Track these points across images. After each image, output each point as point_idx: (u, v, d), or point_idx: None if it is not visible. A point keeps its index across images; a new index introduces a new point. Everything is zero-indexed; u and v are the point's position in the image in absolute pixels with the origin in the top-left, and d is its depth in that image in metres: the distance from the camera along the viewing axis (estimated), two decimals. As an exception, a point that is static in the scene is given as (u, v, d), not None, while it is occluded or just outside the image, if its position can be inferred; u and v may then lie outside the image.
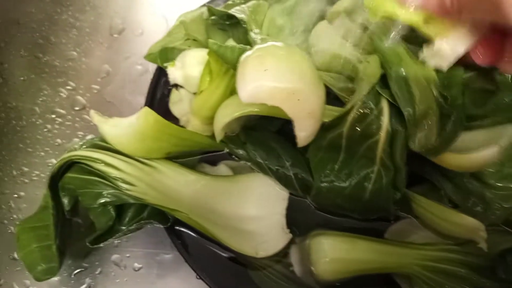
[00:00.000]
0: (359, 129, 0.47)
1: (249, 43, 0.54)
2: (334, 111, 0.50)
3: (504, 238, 0.49)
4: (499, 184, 0.48)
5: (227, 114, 0.49)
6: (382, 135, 0.47)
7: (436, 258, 0.48)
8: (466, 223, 0.48)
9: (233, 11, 0.57)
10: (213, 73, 0.51)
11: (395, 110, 0.47)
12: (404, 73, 0.45)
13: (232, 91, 0.52)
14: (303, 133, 0.45)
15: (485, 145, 0.46)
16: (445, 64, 0.38)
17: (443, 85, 0.46)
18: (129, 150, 0.50)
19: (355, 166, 0.48)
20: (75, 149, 0.52)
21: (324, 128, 0.47)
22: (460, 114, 0.46)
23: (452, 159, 0.47)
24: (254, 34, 0.53)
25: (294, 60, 0.44)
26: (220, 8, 0.61)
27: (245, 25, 0.55)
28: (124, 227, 0.50)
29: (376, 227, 0.52)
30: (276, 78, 0.42)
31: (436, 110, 0.45)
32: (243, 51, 0.48)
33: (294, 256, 0.51)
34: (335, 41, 0.52)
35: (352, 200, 0.49)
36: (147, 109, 0.47)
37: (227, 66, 0.51)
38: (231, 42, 0.58)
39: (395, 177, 0.48)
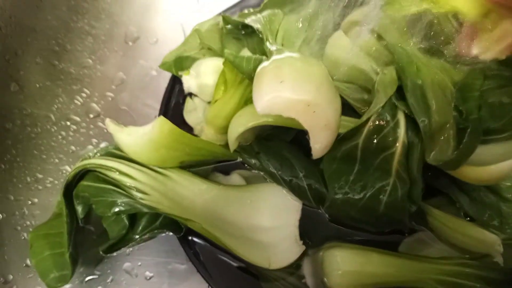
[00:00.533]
0: (375, 141, 0.47)
1: (265, 53, 0.54)
2: (350, 122, 0.50)
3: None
4: (516, 199, 0.47)
5: (241, 124, 0.49)
6: (399, 147, 0.46)
7: (451, 272, 0.47)
8: (482, 237, 0.48)
9: (248, 20, 0.57)
10: (228, 82, 0.51)
11: (411, 122, 0.46)
12: (420, 82, 0.45)
13: (246, 101, 0.52)
14: (319, 145, 0.44)
15: (502, 159, 0.46)
16: (503, 54, 0.38)
17: (459, 97, 0.46)
18: (143, 159, 0.50)
19: (370, 178, 0.47)
20: (90, 157, 0.53)
21: (339, 139, 0.47)
22: (477, 127, 0.45)
23: (469, 172, 0.47)
24: (269, 44, 0.53)
25: (310, 71, 0.44)
26: (235, 17, 0.61)
27: (260, 35, 0.56)
28: (137, 236, 0.50)
29: (390, 239, 0.51)
30: (292, 90, 0.42)
31: (453, 123, 0.45)
32: (259, 61, 0.48)
33: (306, 268, 0.50)
34: (351, 51, 0.51)
35: (367, 213, 0.48)
36: (162, 118, 0.47)
37: (242, 76, 0.51)
38: (246, 52, 0.58)
39: (411, 189, 0.47)
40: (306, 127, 0.42)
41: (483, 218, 0.49)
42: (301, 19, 0.60)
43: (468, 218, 0.50)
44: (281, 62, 0.44)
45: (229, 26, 0.60)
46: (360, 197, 0.48)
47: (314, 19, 0.58)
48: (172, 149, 0.49)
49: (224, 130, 0.52)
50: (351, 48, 0.52)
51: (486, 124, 0.46)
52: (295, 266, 0.51)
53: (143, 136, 0.48)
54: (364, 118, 0.47)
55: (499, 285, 0.48)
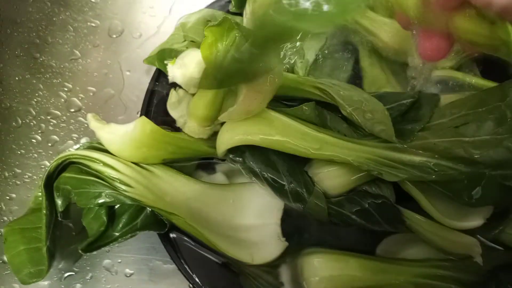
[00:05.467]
0: None
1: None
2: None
3: (496, 255, 0.50)
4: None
5: (230, 141, 0.50)
6: None
7: (427, 275, 0.48)
8: (461, 240, 0.49)
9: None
10: (207, 69, 0.50)
11: None
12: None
13: (226, 90, 0.51)
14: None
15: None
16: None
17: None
18: (125, 156, 0.49)
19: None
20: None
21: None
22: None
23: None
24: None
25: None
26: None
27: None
28: (117, 234, 0.50)
29: (369, 242, 0.52)
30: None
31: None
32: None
33: (285, 275, 0.50)
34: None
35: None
36: (143, 118, 0.47)
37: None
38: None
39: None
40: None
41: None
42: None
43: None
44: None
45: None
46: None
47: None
48: (154, 148, 0.49)
49: (207, 122, 0.52)
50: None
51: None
52: (276, 266, 0.51)
53: (124, 134, 0.48)
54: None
55: (473, 286, 0.49)
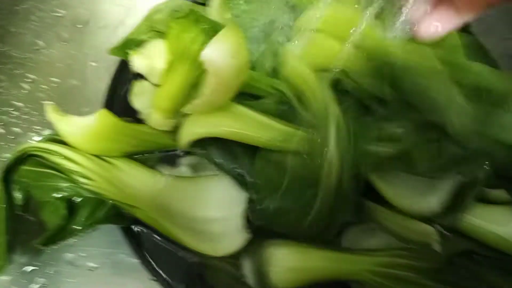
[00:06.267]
0: (304, 155, 0.48)
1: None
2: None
3: (453, 243, 0.51)
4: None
5: (194, 133, 0.50)
6: (328, 161, 0.47)
7: (386, 263, 0.49)
8: (420, 229, 0.50)
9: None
10: (172, 61, 0.50)
11: (345, 134, 0.47)
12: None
13: (191, 81, 0.51)
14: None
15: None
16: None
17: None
18: (85, 149, 0.49)
19: (300, 189, 0.48)
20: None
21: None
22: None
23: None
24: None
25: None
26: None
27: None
28: (77, 227, 0.49)
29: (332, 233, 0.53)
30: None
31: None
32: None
33: (247, 267, 0.51)
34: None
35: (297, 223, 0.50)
36: (104, 111, 0.47)
37: (186, 54, 0.50)
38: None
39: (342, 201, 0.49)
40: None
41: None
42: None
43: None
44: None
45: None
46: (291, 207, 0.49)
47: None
48: (115, 141, 0.49)
49: (171, 114, 0.51)
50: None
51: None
52: (239, 257, 0.51)
53: (84, 127, 0.47)
54: (292, 131, 0.48)
55: (432, 274, 0.50)
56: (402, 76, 0.46)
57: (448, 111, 0.45)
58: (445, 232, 0.50)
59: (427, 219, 0.50)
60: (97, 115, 0.47)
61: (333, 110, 0.48)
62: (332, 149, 0.47)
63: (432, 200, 0.49)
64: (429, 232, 0.50)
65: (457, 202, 0.49)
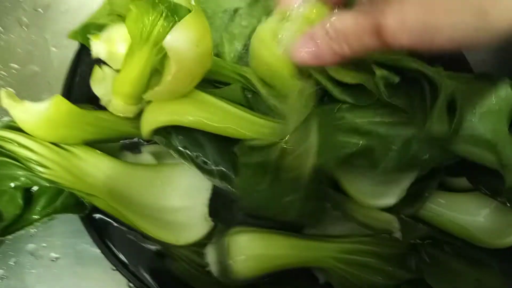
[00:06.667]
0: (287, 160, 0.48)
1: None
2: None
3: (414, 230, 0.52)
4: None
5: (156, 121, 0.48)
6: (309, 167, 0.47)
7: (349, 250, 0.50)
8: (381, 218, 0.51)
9: None
10: (132, 44, 0.48)
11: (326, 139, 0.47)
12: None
13: (152, 65, 0.49)
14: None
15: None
16: None
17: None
18: (41, 137, 0.47)
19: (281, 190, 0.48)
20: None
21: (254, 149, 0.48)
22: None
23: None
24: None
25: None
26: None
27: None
28: (35, 217, 0.48)
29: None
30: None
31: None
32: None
33: (211, 256, 0.50)
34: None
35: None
36: (58, 97, 0.45)
37: (146, 38, 0.47)
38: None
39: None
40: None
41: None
42: None
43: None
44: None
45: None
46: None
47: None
48: (72, 129, 0.47)
49: (133, 100, 0.50)
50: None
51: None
52: (202, 246, 0.51)
53: (39, 113, 0.45)
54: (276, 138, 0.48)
55: (394, 260, 0.51)
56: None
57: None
58: (406, 218, 0.51)
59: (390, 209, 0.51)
60: (51, 102, 0.45)
61: (305, 98, 0.48)
62: (312, 140, 0.46)
63: (392, 193, 0.49)
64: (390, 220, 0.51)
65: (417, 194, 0.50)
